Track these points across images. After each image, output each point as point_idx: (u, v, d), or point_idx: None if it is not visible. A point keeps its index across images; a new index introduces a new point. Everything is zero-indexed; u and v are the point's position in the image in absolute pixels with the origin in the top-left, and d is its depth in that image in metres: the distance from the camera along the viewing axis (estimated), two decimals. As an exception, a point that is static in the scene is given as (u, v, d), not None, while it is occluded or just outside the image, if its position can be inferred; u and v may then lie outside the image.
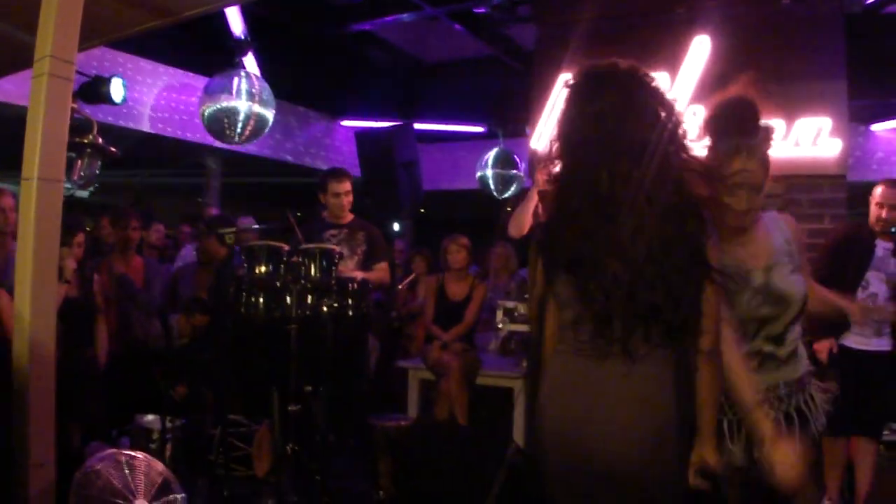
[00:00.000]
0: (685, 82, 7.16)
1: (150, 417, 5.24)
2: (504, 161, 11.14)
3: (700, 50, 7.14)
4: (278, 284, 4.84)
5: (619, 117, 2.37)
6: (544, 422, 2.47)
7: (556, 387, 2.48)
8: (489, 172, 11.12)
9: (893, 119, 10.32)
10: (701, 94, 7.12)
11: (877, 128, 10.47)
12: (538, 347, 2.63)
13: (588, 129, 2.40)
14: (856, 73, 6.81)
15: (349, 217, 5.98)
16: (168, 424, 5.11)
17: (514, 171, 11.12)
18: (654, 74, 2.44)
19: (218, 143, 9.28)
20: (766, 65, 6.84)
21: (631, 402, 2.33)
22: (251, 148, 9.96)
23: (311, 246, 5.05)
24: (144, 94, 9.57)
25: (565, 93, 2.53)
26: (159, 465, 3.78)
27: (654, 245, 2.30)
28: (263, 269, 4.91)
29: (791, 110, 6.77)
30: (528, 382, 5.89)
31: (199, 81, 9.58)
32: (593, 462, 2.32)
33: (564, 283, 2.43)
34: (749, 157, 2.69)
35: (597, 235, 2.34)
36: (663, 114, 2.38)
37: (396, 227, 13.33)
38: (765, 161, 2.73)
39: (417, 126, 10.25)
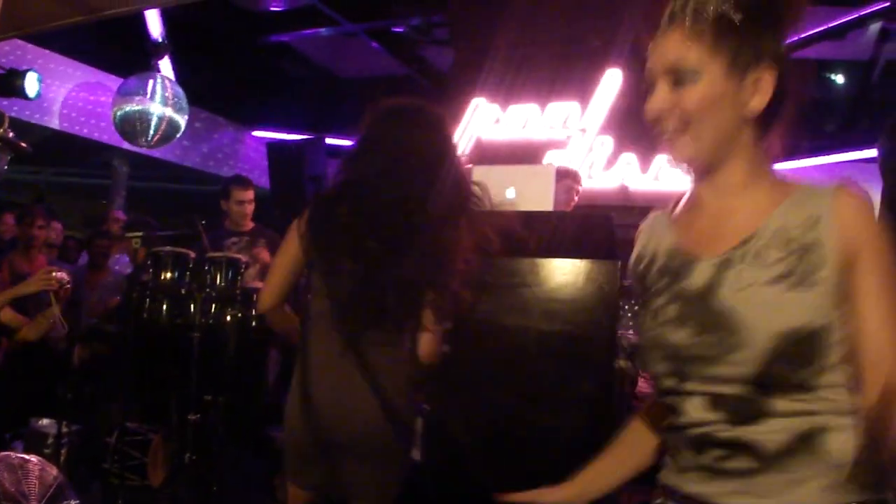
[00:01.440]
0: (595, 113, 7.35)
1: (45, 421, 5.14)
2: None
3: (611, 82, 7.34)
4: (183, 292, 4.83)
5: (396, 145, 2.81)
6: (299, 398, 2.91)
7: (310, 368, 2.90)
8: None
9: (794, 160, 10.71)
10: (610, 125, 7.32)
11: (780, 167, 10.79)
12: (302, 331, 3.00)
13: (364, 149, 2.88)
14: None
15: (250, 225, 5.99)
16: (64, 429, 5.03)
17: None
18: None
19: (127, 145, 9.16)
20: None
21: (363, 388, 2.78)
22: (160, 152, 9.87)
23: (218, 255, 5.05)
24: (56, 90, 9.40)
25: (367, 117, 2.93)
26: (53, 470, 3.72)
27: (388, 255, 2.75)
28: (169, 275, 4.90)
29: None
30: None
31: (113, 81, 9.45)
32: (336, 435, 2.81)
33: (316, 275, 2.88)
34: None
35: (342, 240, 2.80)
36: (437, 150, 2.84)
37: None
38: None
39: (329, 140, 10.26)
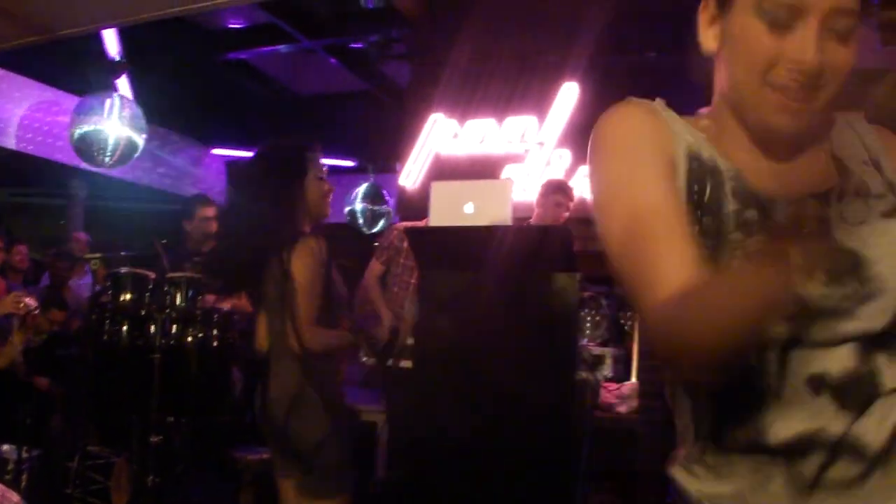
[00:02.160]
0: (552, 127, 7.42)
1: (5, 447, 5.10)
2: (373, 196, 11.20)
3: (568, 96, 7.41)
4: (143, 313, 4.81)
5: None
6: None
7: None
8: (358, 207, 11.18)
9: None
10: (567, 138, 7.39)
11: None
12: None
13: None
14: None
15: (211, 244, 5.98)
16: (24, 454, 4.99)
17: (383, 207, 11.20)
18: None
19: (85, 165, 9.10)
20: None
21: (280, 388, 3.30)
22: (118, 171, 9.79)
23: (177, 275, 5.03)
24: (11, 109, 9.32)
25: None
26: (14, 496, 3.71)
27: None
28: (129, 296, 4.87)
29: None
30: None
31: (71, 101, 9.39)
32: (269, 423, 3.35)
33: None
34: None
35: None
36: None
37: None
38: None
39: (289, 158, 10.26)
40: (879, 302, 1.20)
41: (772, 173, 1.34)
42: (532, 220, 5.82)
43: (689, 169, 1.34)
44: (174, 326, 4.80)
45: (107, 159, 8.32)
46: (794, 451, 1.23)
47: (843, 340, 1.22)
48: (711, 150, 1.36)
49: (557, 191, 5.78)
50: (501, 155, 7.65)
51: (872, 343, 1.22)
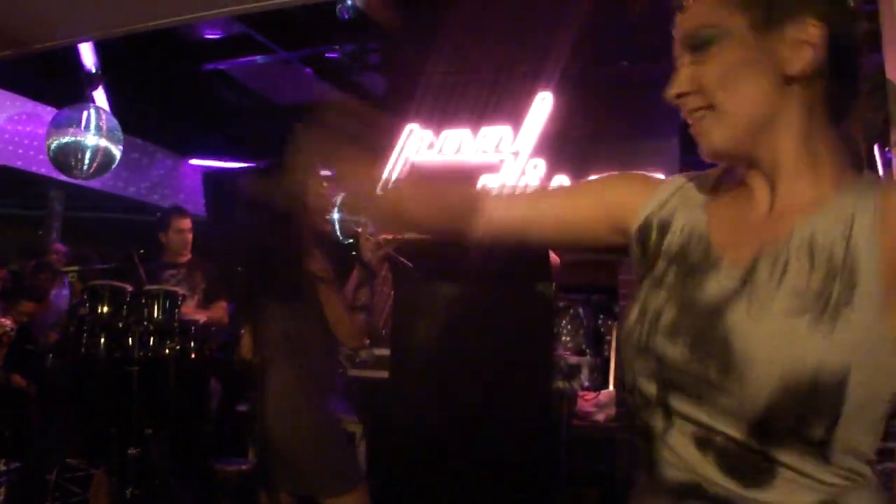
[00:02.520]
0: (527, 136, 7.47)
1: (-17, 460, 5.11)
2: (350, 206, 11.17)
3: (542, 106, 7.47)
4: (120, 325, 4.82)
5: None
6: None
7: None
8: (335, 216, 11.17)
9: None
10: (542, 148, 7.44)
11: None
12: None
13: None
14: (689, 129, 7.25)
15: (188, 256, 6.00)
16: (2, 467, 4.99)
17: (360, 217, 11.19)
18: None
19: (62, 177, 9.09)
20: (605, 122, 7.24)
21: (272, 398, 3.35)
22: (96, 183, 9.77)
23: (155, 287, 5.05)
24: (-14, 122, 9.31)
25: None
26: (-7, 509, 3.72)
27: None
28: (106, 309, 4.89)
29: (628, 168, 7.11)
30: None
31: (47, 112, 9.38)
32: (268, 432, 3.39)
33: None
34: None
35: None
36: None
37: (241, 268, 13.23)
38: None
39: (266, 168, 10.26)
40: (728, 399, 1.16)
41: (734, 224, 1.32)
42: None
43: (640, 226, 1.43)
44: (152, 339, 4.82)
45: (84, 171, 8.31)
46: (682, 496, 1.22)
47: (723, 414, 1.18)
48: (700, 211, 1.38)
49: None
50: (477, 164, 7.69)
51: (756, 432, 1.16)
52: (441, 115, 7.78)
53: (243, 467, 5.29)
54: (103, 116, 8.56)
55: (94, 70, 8.79)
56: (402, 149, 8.01)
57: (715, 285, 1.23)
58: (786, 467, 1.15)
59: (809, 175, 1.25)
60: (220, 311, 5.93)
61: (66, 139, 8.32)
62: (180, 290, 5.17)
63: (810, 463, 1.15)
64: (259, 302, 3.50)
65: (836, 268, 1.14)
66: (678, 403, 1.23)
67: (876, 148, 3.06)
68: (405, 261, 3.65)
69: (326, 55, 9.98)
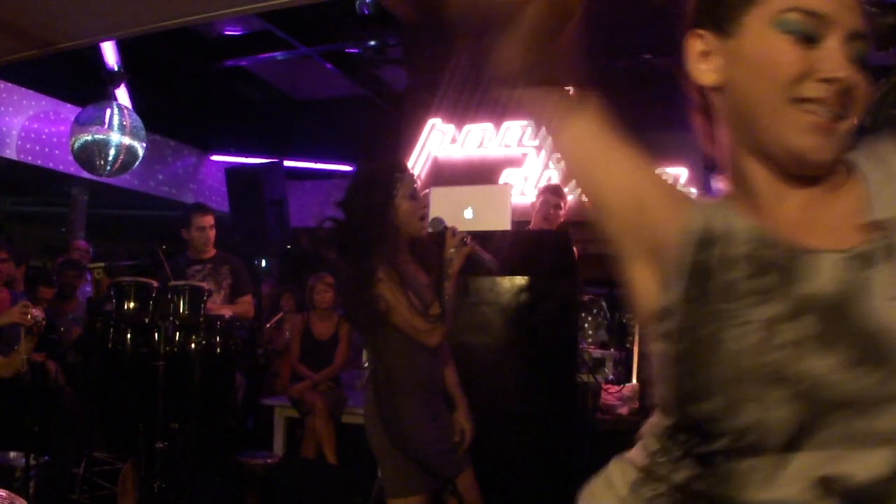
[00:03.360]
0: (550, 132, 7.48)
1: (12, 454, 5.14)
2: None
3: (565, 100, 7.47)
4: (146, 321, 4.85)
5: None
6: None
7: None
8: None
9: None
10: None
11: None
12: None
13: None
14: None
15: (212, 252, 6.01)
16: (31, 462, 5.03)
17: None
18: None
19: (85, 174, 9.15)
20: (629, 116, 7.18)
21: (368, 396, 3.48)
22: (119, 179, 9.84)
23: (180, 283, 5.07)
24: (11, 120, 9.36)
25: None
26: (22, 503, 3.74)
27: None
28: (132, 305, 4.91)
29: (651, 160, 7.14)
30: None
31: (70, 111, 9.45)
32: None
33: None
34: None
35: None
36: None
37: (264, 263, 13.29)
38: None
39: (287, 163, 10.31)
40: None
41: (801, 224, 1.14)
42: (531, 224, 5.87)
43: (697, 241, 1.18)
44: (178, 334, 4.84)
45: (108, 169, 8.37)
46: None
47: (877, 442, 0.97)
48: (741, 215, 1.18)
49: (550, 192, 5.85)
50: (499, 159, 7.70)
51: None
52: (463, 109, 7.79)
53: (268, 461, 5.31)
54: (126, 114, 8.61)
55: (116, 68, 8.85)
56: (424, 144, 8.02)
57: (826, 275, 1.04)
58: None
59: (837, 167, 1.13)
60: (247, 305, 5.96)
61: (89, 137, 8.38)
62: (206, 286, 5.19)
63: None
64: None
65: None
66: (821, 434, 0.99)
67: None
68: (486, 255, 3.64)
69: (347, 50, 10.01)
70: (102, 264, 5.87)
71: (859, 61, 1.08)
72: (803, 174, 1.14)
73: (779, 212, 1.15)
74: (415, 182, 3.54)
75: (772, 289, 1.06)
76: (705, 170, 7.53)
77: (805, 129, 1.08)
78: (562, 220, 5.78)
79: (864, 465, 0.96)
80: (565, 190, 6.11)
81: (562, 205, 5.80)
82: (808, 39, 1.08)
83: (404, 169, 3.62)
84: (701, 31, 1.21)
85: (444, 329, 3.40)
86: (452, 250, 3.57)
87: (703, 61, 1.22)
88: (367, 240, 3.36)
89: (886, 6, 3.15)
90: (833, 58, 1.07)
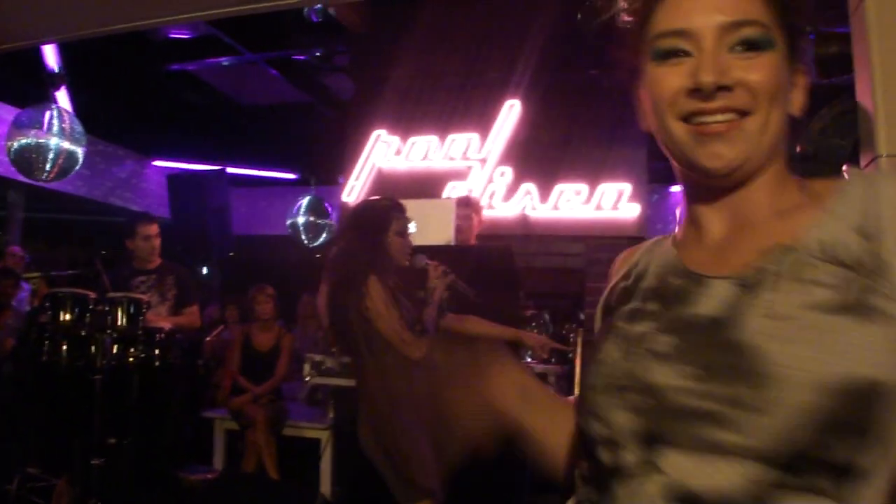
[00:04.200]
0: (495, 143, 7.49)
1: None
2: (315, 209, 11.16)
3: (510, 113, 7.49)
4: (83, 333, 4.77)
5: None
6: None
7: None
8: (300, 220, 11.13)
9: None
10: (509, 156, 7.46)
11: (676, 189, 11.18)
12: None
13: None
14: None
15: (157, 261, 5.94)
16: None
17: (325, 220, 11.18)
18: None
19: (22, 177, 8.97)
20: (573, 130, 7.28)
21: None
22: (57, 184, 9.67)
23: (118, 294, 5.00)
24: (-57, 121, 9.16)
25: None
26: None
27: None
28: (68, 316, 4.83)
29: (595, 176, 7.20)
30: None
31: (7, 111, 9.27)
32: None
33: None
34: None
35: None
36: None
37: (205, 271, 13.17)
38: None
39: (231, 170, 10.24)
40: (770, 418, 0.94)
41: (718, 251, 1.16)
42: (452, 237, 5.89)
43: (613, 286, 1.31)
44: (115, 347, 4.76)
45: (46, 173, 8.21)
46: None
47: (726, 455, 0.97)
48: (670, 253, 1.23)
49: (466, 205, 5.86)
50: (444, 171, 7.70)
51: (777, 468, 0.95)
52: (409, 120, 7.79)
53: (208, 476, 5.25)
54: (66, 118, 8.44)
55: (56, 70, 8.68)
56: (368, 154, 8.00)
57: (711, 300, 1.07)
58: None
59: (781, 192, 1.15)
60: (193, 315, 5.90)
61: (27, 141, 8.19)
62: (145, 298, 5.12)
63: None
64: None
65: (868, 267, 1.01)
66: (665, 444, 1.01)
67: (845, 169, 3.07)
68: (463, 285, 4.09)
69: (293, 57, 9.96)
70: (39, 274, 5.77)
71: (747, 46, 1.09)
72: (724, 185, 1.15)
73: (707, 239, 1.18)
74: (407, 223, 3.98)
75: (654, 312, 1.13)
76: (648, 184, 7.61)
77: (696, 141, 1.11)
78: (475, 231, 5.79)
79: (715, 479, 0.96)
80: (480, 203, 6.18)
81: (473, 216, 5.81)
82: (678, 57, 1.12)
83: (400, 209, 3.98)
84: (636, 74, 1.23)
85: (426, 344, 3.61)
86: (436, 280, 4.00)
87: (642, 105, 1.24)
88: (362, 263, 3.71)
89: (829, 35, 3.18)
90: (700, 65, 1.09)
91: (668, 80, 1.12)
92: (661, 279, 1.18)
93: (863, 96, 2.47)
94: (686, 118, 1.11)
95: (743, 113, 1.09)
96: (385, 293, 3.67)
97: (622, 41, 1.24)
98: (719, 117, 1.09)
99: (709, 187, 1.17)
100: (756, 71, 1.09)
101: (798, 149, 3.02)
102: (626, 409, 1.05)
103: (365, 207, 4.10)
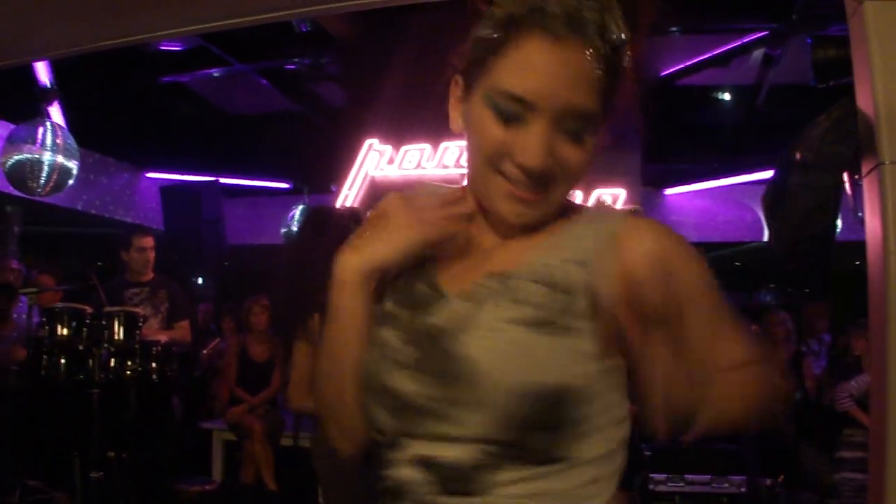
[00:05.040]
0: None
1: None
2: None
3: (502, 121, 7.52)
4: (80, 347, 4.79)
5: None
6: None
7: None
8: (294, 228, 11.13)
9: (684, 185, 11.11)
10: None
11: (670, 192, 11.22)
12: None
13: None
14: (651, 140, 7.31)
15: (151, 274, 5.97)
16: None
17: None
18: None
19: (17, 192, 8.98)
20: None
21: None
22: (52, 198, 9.67)
23: (115, 309, 5.03)
24: (-64, 138, 9.14)
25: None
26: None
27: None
28: (65, 331, 4.86)
29: (589, 181, 7.23)
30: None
31: (2, 128, 9.27)
32: None
33: None
34: None
35: None
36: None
37: (200, 281, 13.18)
38: None
39: (224, 180, 10.25)
40: (482, 415, 1.13)
41: (468, 268, 1.30)
42: None
43: None
44: (113, 360, 4.79)
45: (40, 188, 8.22)
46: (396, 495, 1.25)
47: (453, 442, 1.17)
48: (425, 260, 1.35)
49: None
50: (437, 179, 7.71)
51: (494, 447, 1.15)
52: (400, 129, 7.79)
53: (206, 487, 5.28)
54: (59, 133, 8.45)
55: (49, 85, 8.71)
56: (361, 163, 8.02)
57: (442, 314, 1.23)
58: (504, 481, 1.16)
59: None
60: (184, 331, 5.93)
61: (21, 156, 8.21)
62: (141, 311, 5.15)
63: (529, 477, 1.16)
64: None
65: (574, 290, 1.18)
66: (411, 436, 1.22)
67: (846, 176, 3.08)
68: None
69: (284, 66, 9.97)
70: (35, 290, 5.80)
71: (573, 136, 1.17)
72: (509, 231, 1.28)
73: (459, 258, 1.31)
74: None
75: (404, 320, 1.28)
76: (643, 188, 7.65)
77: (505, 197, 1.21)
78: None
79: (448, 454, 1.17)
80: None
81: None
82: (512, 120, 1.17)
83: (359, 219, 3.81)
84: (458, 79, 1.30)
85: None
86: None
87: (455, 107, 1.30)
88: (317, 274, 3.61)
89: (826, 39, 3.20)
90: (529, 146, 1.16)
91: (496, 133, 1.19)
92: (413, 286, 1.31)
93: (864, 101, 2.45)
94: (501, 173, 1.20)
95: (553, 184, 1.20)
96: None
97: (460, 52, 1.30)
98: (529, 189, 1.19)
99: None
100: (578, 156, 1.18)
101: (798, 156, 3.04)
102: (383, 408, 1.24)
103: (318, 212, 3.98)
